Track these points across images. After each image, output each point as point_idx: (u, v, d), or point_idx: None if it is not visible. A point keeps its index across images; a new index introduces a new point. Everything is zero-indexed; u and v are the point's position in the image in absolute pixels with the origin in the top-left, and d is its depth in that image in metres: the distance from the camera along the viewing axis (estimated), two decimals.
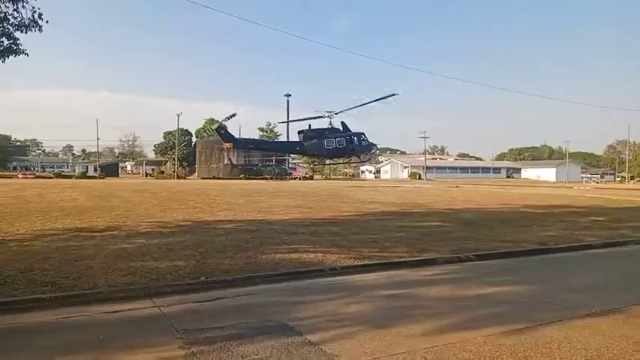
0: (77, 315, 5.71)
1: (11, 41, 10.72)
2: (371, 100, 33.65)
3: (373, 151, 42.65)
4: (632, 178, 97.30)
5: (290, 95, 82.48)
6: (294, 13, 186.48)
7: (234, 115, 33.13)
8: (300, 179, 77.76)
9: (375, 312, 6.00)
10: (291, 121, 54.91)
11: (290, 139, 54.27)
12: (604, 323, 5.53)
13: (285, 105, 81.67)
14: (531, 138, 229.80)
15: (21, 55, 10.95)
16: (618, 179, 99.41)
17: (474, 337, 5.01)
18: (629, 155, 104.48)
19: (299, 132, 38.48)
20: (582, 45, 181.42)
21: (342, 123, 37.18)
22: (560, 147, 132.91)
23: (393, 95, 31.90)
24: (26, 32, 10.64)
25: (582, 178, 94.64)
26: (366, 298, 6.65)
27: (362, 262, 8.81)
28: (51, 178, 66.16)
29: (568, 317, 5.72)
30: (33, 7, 10.57)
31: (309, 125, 37.75)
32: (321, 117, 36.13)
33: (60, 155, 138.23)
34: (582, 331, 5.22)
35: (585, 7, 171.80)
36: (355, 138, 37.30)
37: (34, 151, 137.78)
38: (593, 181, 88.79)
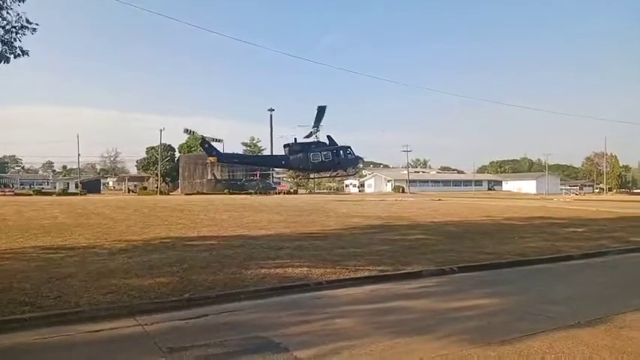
0: (58, 335, 5.57)
1: (6, 46, 10.66)
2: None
3: (359, 164, 42.91)
4: (610, 189, 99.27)
5: (273, 110, 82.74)
6: (279, 28, 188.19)
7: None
8: (284, 194, 77.61)
9: (361, 326, 5.98)
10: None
11: (275, 154, 54.03)
12: (587, 334, 5.61)
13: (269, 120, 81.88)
14: (512, 151, 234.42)
15: (9, 65, 10.89)
16: (597, 191, 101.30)
17: (460, 350, 5.03)
18: (606, 167, 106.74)
19: (285, 145, 38.48)
20: (563, 57, 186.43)
21: (329, 137, 37.30)
22: (539, 159, 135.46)
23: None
24: (16, 35, 10.60)
25: (562, 189, 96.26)
26: (351, 313, 6.64)
27: (347, 276, 8.80)
28: (30, 195, 64.73)
29: (551, 328, 5.78)
30: (18, 14, 10.56)
31: (295, 139, 37.79)
32: (310, 135, 36.32)
33: (40, 172, 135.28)
34: (566, 342, 5.28)
35: (568, 20, 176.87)
36: (342, 151, 37.42)
37: (13, 168, 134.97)
38: (573, 192, 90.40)
